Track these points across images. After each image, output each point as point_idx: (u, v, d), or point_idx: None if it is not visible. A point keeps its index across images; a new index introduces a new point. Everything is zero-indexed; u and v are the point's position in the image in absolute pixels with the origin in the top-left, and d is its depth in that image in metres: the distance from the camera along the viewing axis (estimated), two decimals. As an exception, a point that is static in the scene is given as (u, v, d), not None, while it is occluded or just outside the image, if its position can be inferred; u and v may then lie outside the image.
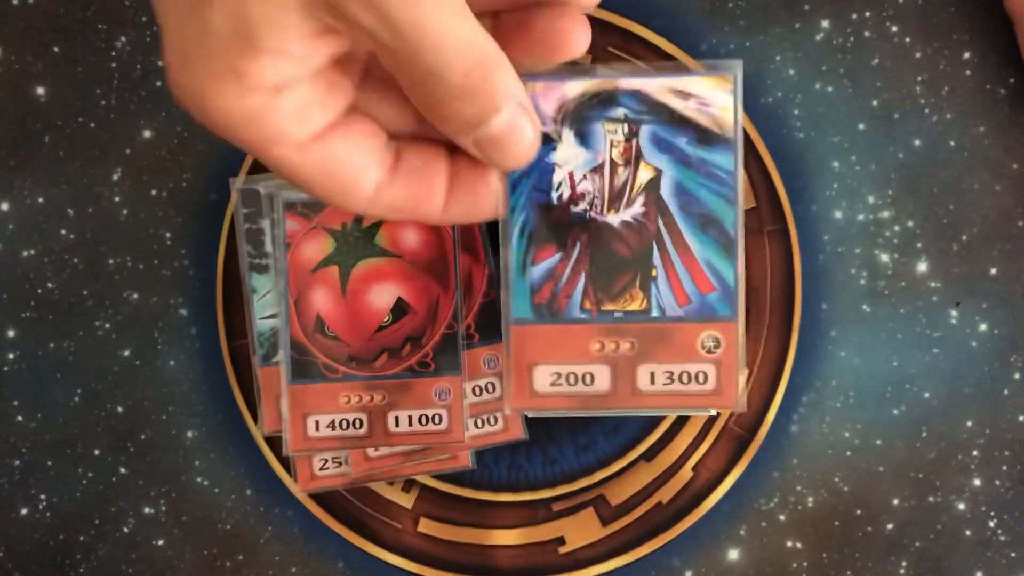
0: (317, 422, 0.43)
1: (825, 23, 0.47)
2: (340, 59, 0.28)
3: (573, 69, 0.32)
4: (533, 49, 0.29)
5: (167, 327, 0.48)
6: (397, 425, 0.43)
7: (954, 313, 0.47)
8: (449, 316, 0.44)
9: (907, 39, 0.47)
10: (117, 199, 0.48)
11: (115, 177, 0.48)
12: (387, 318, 0.43)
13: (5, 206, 0.48)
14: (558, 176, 0.34)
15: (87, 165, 0.48)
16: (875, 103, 0.47)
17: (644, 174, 0.35)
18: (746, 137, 0.47)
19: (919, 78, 0.47)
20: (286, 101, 0.27)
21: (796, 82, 0.47)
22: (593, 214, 0.35)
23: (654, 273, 0.35)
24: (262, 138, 0.27)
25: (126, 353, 0.48)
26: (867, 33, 0.47)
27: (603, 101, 0.34)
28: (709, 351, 0.34)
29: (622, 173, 0.35)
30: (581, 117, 0.34)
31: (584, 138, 0.34)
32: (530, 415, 0.45)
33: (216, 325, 0.48)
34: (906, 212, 0.47)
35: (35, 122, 0.48)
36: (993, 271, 0.47)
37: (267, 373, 0.45)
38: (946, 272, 0.47)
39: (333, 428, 0.43)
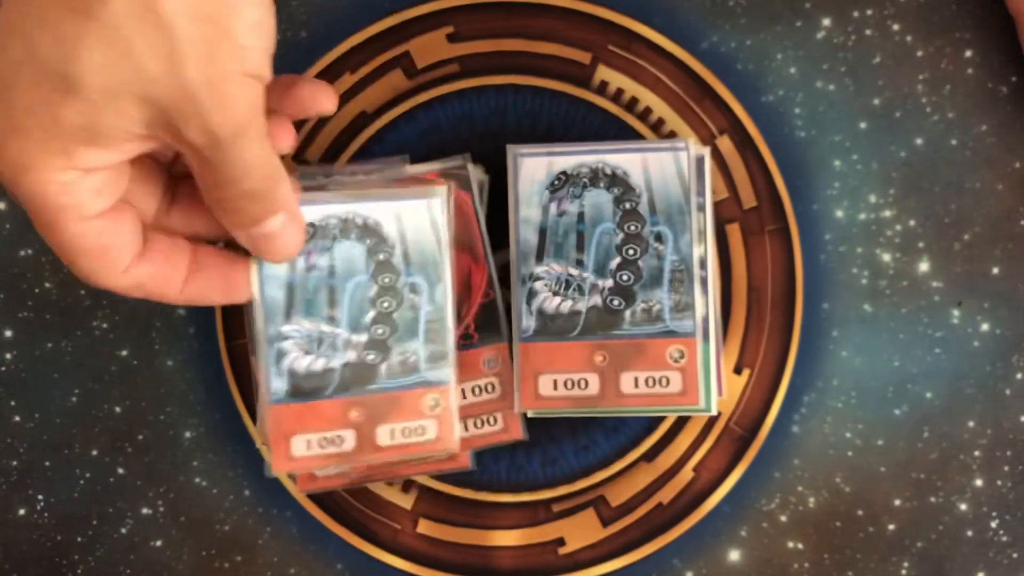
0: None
1: (826, 21, 0.47)
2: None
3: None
4: (296, 107, 0.37)
5: (165, 327, 0.48)
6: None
7: (956, 313, 0.47)
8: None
9: (908, 37, 0.47)
10: (115, 198, 0.48)
11: (113, 176, 0.48)
12: None
13: (3, 205, 0.48)
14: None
15: (85, 164, 0.48)
16: (876, 101, 0.47)
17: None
18: (748, 136, 0.47)
19: (921, 76, 0.47)
20: (92, 180, 0.31)
21: (797, 80, 0.47)
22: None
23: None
24: (61, 206, 0.31)
25: (124, 353, 0.48)
26: (868, 31, 0.47)
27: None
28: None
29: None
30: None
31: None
32: (533, 415, 0.45)
33: (214, 324, 0.48)
34: (908, 211, 0.47)
35: (32, 121, 0.48)
36: (995, 271, 0.47)
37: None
38: (948, 272, 0.47)
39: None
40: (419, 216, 0.42)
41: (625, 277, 0.43)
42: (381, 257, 0.41)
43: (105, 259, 0.33)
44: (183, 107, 0.30)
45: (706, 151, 0.45)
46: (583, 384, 0.43)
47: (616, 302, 0.43)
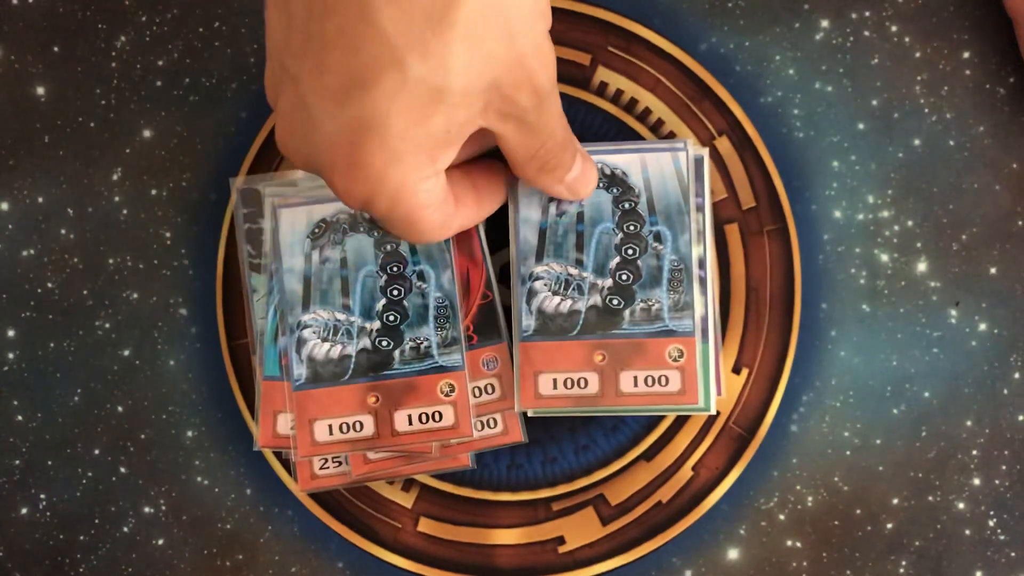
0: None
1: (825, 22, 0.47)
2: None
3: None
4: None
5: (167, 327, 0.48)
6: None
7: (954, 313, 0.47)
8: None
9: (907, 38, 0.47)
10: (117, 199, 0.48)
11: (115, 177, 0.48)
12: None
13: (5, 206, 0.48)
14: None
15: (87, 165, 0.48)
16: (875, 102, 0.47)
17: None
18: (746, 137, 0.47)
19: (919, 77, 0.47)
20: (442, 176, 0.34)
21: (796, 81, 0.47)
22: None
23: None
24: (423, 206, 0.34)
25: (126, 353, 0.48)
26: (867, 32, 0.47)
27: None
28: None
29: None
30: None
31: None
32: (533, 414, 0.45)
33: (216, 325, 0.48)
34: (906, 212, 0.47)
35: (35, 122, 0.48)
36: (993, 271, 0.47)
37: (269, 387, 0.45)
38: (946, 272, 0.47)
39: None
40: None
41: (624, 276, 0.43)
42: (388, 247, 0.43)
43: (444, 227, 0.36)
44: (518, 76, 0.32)
45: (705, 152, 0.45)
46: (583, 383, 0.43)
47: (615, 301, 0.43)
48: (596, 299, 0.43)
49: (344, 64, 0.30)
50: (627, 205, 0.44)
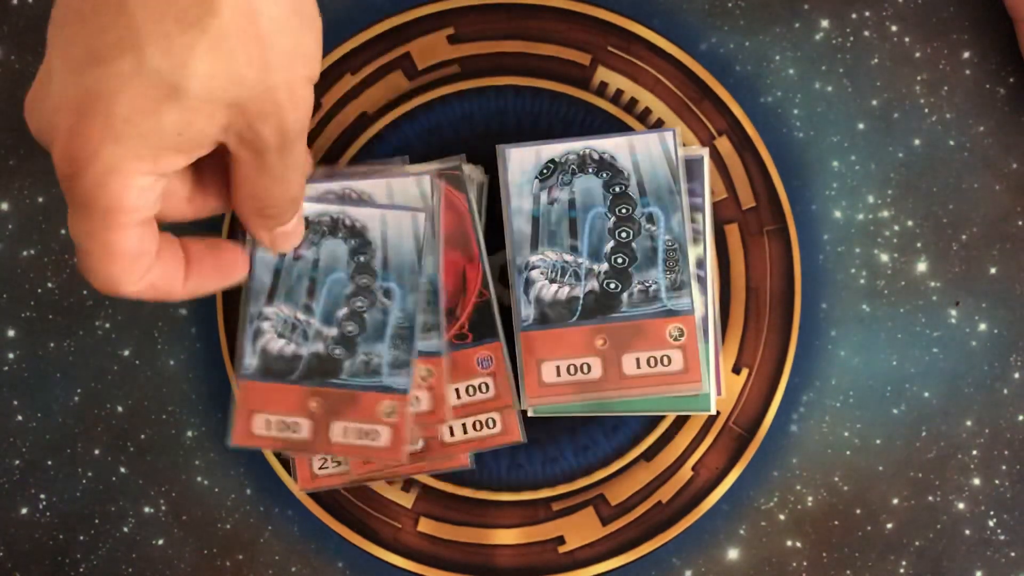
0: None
1: (824, 23, 0.47)
2: None
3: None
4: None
5: (167, 327, 0.48)
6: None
7: (954, 312, 0.47)
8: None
9: (907, 38, 0.47)
10: (117, 199, 0.48)
11: (115, 177, 0.48)
12: None
13: (5, 206, 0.48)
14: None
15: (87, 165, 0.48)
16: (875, 102, 0.47)
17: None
18: (746, 137, 0.47)
19: (919, 77, 0.47)
20: (160, 184, 0.33)
21: (796, 81, 0.47)
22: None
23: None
24: (129, 208, 0.33)
25: (126, 353, 0.48)
26: (867, 32, 0.47)
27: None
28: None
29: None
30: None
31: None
32: (534, 413, 0.45)
33: (216, 325, 0.48)
34: (906, 212, 0.47)
35: (35, 122, 0.48)
36: (992, 271, 0.47)
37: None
38: (945, 272, 0.47)
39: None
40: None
41: (620, 260, 0.43)
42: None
43: (135, 264, 0.34)
44: (265, 108, 0.33)
45: (705, 152, 0.45)
46: (586, 368, 0.43)
47: (613, 285, 0.43)
48: (593, 284, 0.43)
49: (90, 39, 0.31)
50: (618, 189, 0.44)
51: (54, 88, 0.33)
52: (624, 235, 0.43)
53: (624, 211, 0.43)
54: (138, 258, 0.34)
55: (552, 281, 0.44)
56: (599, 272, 0.43)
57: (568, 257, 0.44)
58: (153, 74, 0.31)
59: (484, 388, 0.45)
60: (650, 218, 0.43)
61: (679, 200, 0.43)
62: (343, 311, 0.43)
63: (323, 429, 0.43)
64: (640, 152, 0.44)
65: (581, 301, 0.43)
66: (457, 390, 0.45)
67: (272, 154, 0.34)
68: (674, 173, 0.44)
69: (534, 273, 0.44)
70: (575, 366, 0.43)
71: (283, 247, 0.40)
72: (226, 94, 0.32)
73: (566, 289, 0.43)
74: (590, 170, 0.44)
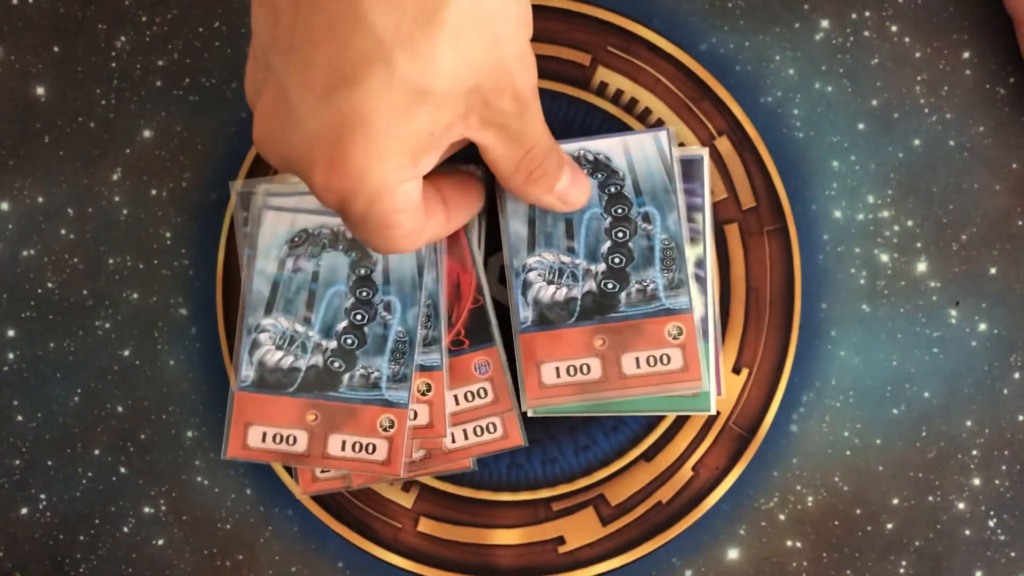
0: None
1: (825, 23, 0.47)
2: None
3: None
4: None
5: (167, 327, 0.48)
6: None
7: (953, 313, 0.47)
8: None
9: (907, 39, 0.47)
10: (117, 199, 0.48)
11: (115, 177, 0.48)
12: None
13: (5, 206, 0.48)
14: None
15: (87, 165, 0.48)
16: (875, 103, 0.47)
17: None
18: (746, 137, 0.47)
19: (919, 77, 0.47)
20: (419, 182, 0.34)
21: (796, 82, 0.47)
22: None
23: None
24: (399, 209, 0.33)
25: (126, 353, 0.48)
26: (867, 33, 0.47)
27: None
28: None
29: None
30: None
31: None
32: (534, 414, 0.45)
33: (216, 325, 0.48)
34: (905, 212, 0.47)
35: (35, 122, 0.48)
36: (992, 271, 0.47)
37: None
38: (946, 272, 0.47)
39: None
40: None
41: (617, 260, 0.43)
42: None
43: (415, 236, 0.35)
44: (500, 82, 0.32)
45: (705, 152, 0.45)
46: (585, 369, 0.43)
47: (610, 285, 0.43)
48: (591, 284, 0.43)
49: (331, 60, 0.30)
50: (613, 189, 0.44)
51: (301, 119, 0.31)
52: (621, 235, 0.43)
53: (620, 211, 0.43)
54: (413, 234, 0.35)
55: (550, 283, 0.44)
56: (596, 273, 0.43)
57: (565, 258, 0.44)
58: (405, 82, 0.30)
59: (483, 393, 0.45)
60: (646, 217, 0.43)
61: (675, 199, 0.43)
62: (343, 324, 0.43)
63: (320, 442, 0.43)
64: (635, 152, 0.44)
65: (579, 302, 0.43)
66: (456, 396, 0.45)
67: (514, 121, 0.34)
68: (669, 172, 0.44)
69: (532, 275, 0.44)
70: (575, 367, 0.44)
71: (576, 201, 0.40)
72: (466, 83, 0.31)
73: (564, 290, 0.43)
74: (585, 171, 0.44)
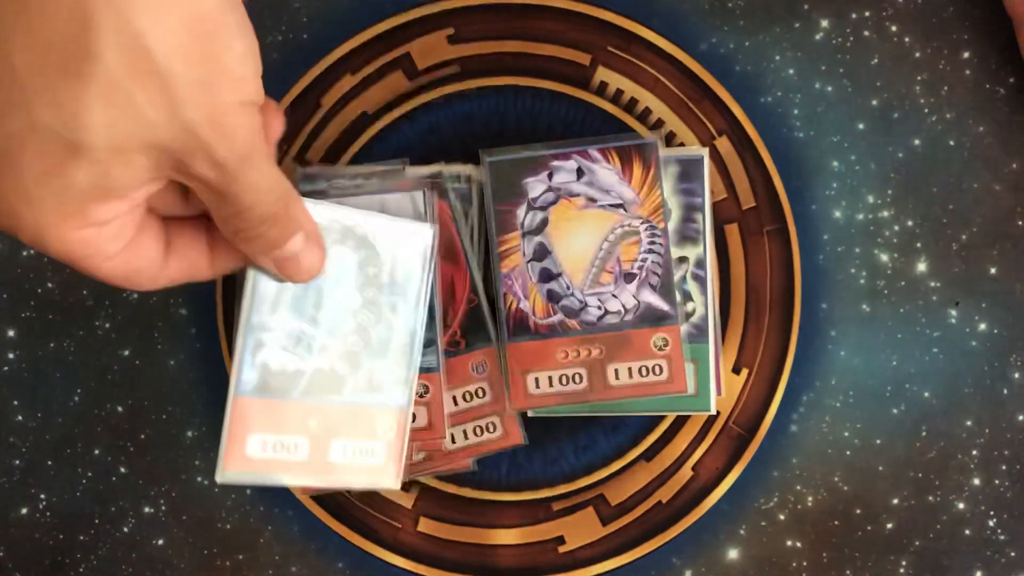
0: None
1: (824, 23, 0.47)
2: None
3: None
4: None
5: (167, 327, 0.48)
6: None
7: (953, 312, 0.47)
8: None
9: (907, 39, 0.47)
10: (117, 199, 0.48)
11: (115, 177, 0.48)
12: None
13: (5, 206, 0.48)
14: None
15: (87, 165, 0.48)
16: (875, 103, 0.47)
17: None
18: (746, 137, 0.47)
19: (918, 77, 0.47)
20: (110, 228, 0.31)
21: (796, 81, 0.47)
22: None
23: None
24: (85, 256, 0.31)
25: (126, 353, 0.48)
26: (867, 33, 0.47)
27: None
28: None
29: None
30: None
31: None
32: (534, 414, 0.45)
33: (216, 325, 0.48)
34: (905, 212, 0.47)
35: (35, 122, 0.48)
36: (992, 271, 0.47)
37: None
38: (945, 272, 0.47)
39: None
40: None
41: (354, 341, 0.42)
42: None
43: (140, 277, 0.34)
44: (188, 146, 0.30)
45: (705, 152, 0.45)
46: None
47: (340, 367, 0.41)
48: (323, 362, 0.41)
49: None
50: (372, 271, 0.42)
51: None
52: (364, 319, 0.41)
53: (370, 294, 0.42)
54: (138, 274, 0.33)
55: (284, 349, 0.40)
56: (331, 350, 0.41)
57: (307, 327, 0.41)
58: (49, 133, 0.28)
59: (481, 393, 0.45)
60: (393, 307, 0.42)
61: (424, 293, 0.42)
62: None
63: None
64: (400, 239, 0.42)
65: (306, 376, 0.40)
66: (454, 396, 0.45)
67: (219, 185, 0.31)
68: (425, 267, 0.42)
69: (266, 336, 0.40)
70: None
71: (292, 275, 0.37)
72: (135, 140, 0.29)
73: (296, 360, 0.40)
74: (349, 245, 0.41)
